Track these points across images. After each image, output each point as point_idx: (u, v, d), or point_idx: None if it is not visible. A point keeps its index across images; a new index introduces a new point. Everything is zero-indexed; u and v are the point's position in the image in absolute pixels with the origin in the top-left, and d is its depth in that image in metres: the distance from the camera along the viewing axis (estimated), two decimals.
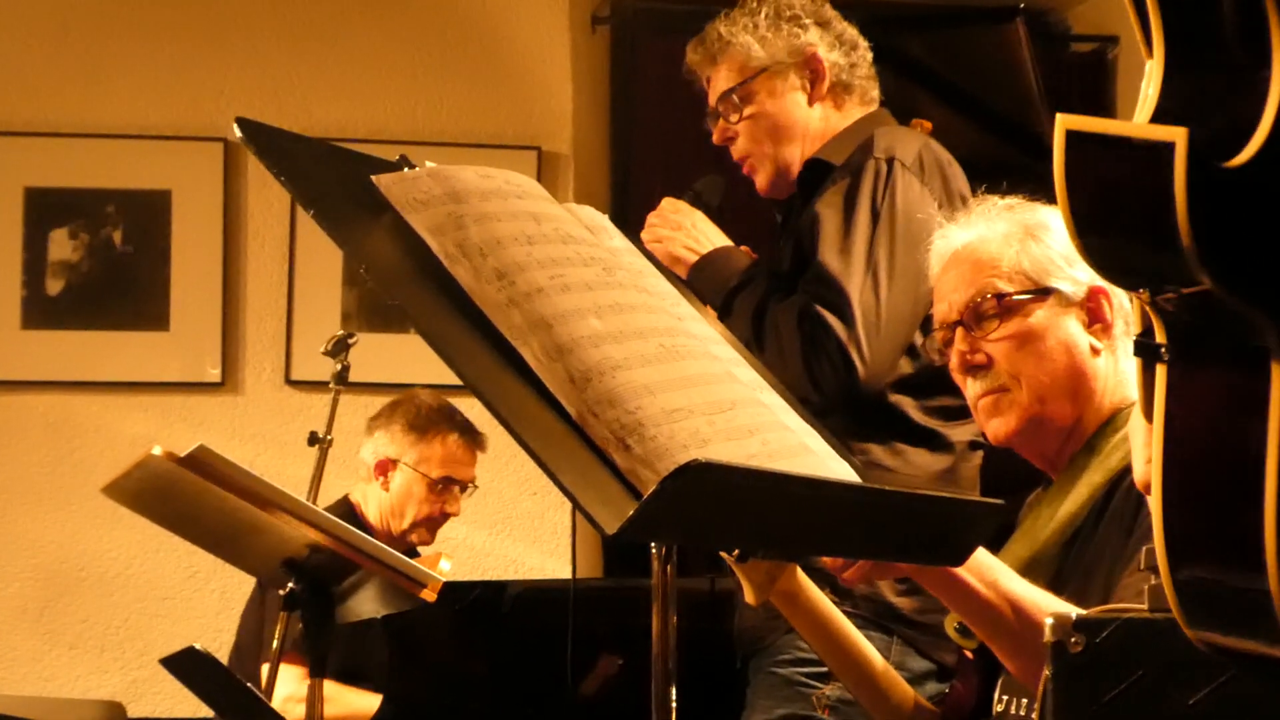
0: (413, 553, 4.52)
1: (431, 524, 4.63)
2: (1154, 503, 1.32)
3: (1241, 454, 1.26)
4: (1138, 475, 1.52)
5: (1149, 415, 1.35)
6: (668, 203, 3.69)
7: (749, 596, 2.47)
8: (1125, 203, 1.25)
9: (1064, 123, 1.26)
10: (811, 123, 3.64)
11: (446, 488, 4.61)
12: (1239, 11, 1.26)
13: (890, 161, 3.45)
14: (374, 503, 4.59)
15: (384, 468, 4.57)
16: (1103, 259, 1.30)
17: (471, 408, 4.56)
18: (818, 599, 2.55)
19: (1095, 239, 1.28)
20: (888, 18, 4.90)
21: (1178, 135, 1.19)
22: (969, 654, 2.59)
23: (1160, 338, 1.32)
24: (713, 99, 3.71)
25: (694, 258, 3.58)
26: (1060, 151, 1.26)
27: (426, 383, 4.66)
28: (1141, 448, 1.52)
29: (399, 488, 4.57)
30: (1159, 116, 1.27)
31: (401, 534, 4.54)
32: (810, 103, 3.65)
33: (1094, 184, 1.26)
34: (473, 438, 4.67)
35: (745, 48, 3.64)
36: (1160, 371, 1.32)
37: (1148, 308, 1.32)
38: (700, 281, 3.54)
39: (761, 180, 3.69)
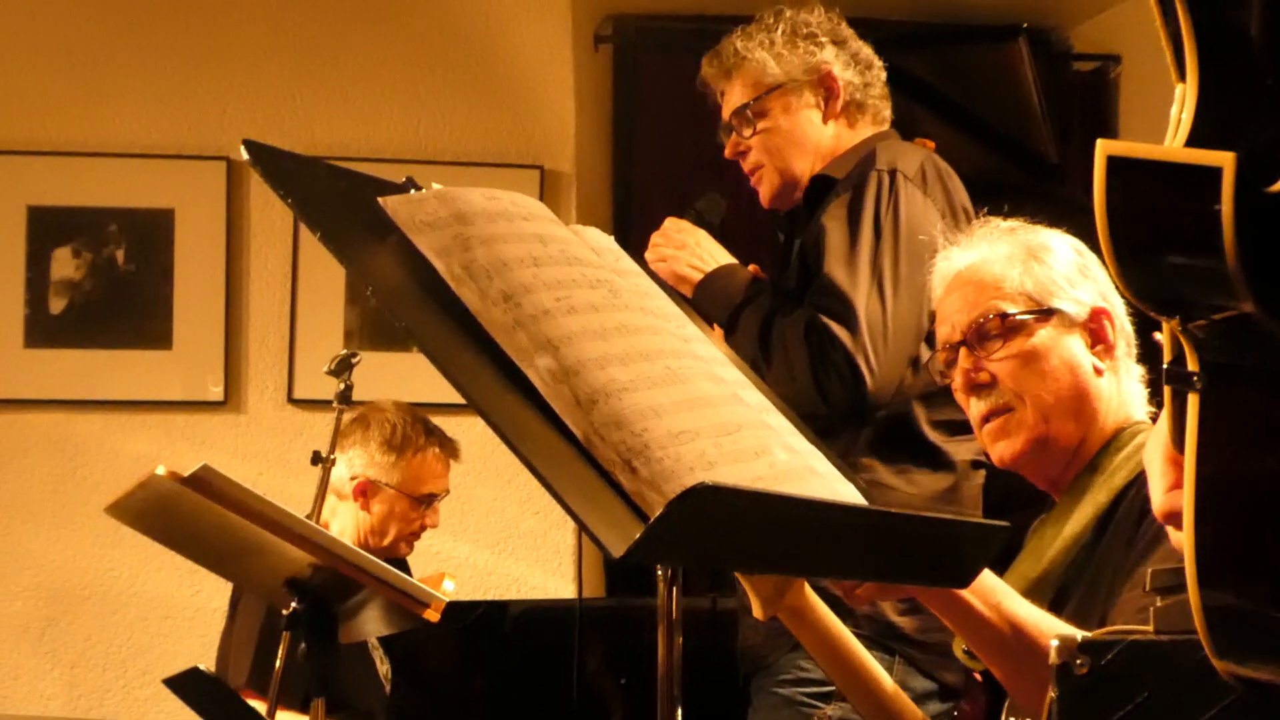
0: (402, 564, 4.48)
1: (412, 537, 4.58)
2: (1185, 531, 1.32)
3: (1275, 483, 1.26)
4: (1156, 505, 1.52)
5: (1178, 444, 1.34)
6: (671, 222, 3.70)
7: (756, 610, 2.46)
8: (1169, 229, 1.24)
9: (1105, 148, 1.25)
10: (824, 140, 3.65)
11: (428, 503, 4.57)
12: (1274, 34, 1.26)
13: (893, 174, 3.46)
14: (350, 522, 4.50)
15: (364, 489, 4.50)
16: (1142, 286, 1.29)
17: (474, 427, 4.55)
18: (825, 616, 2.55)
19: (1136, 265, 1.27)
20: (890, 37, 4.91)
21: (1225, 160, 1.19)
22: (977, 676, 2.59)
23: (1192, 365, 1.31)
24: (726, 113, 3.72)
25: (699, 276, 3.59)
26: (1101, 177, 1.25)
27: (430, 402, 4.65)
28: (1159, 476, 1.51)
29: (381, 508, 4.50)
30: (1195, 141, 1.26)
31: (381, 550, 4.49)
32: (824, 120, 3.66)
33: (1136, 210, 1.25)
34: (448, 448, 4.61)
35: (761, 64, 3.65)
36: (1192, 400, 1.31)
37: (1180, 335, 1.31)
38: (705, 299, 3.55)
39: (765, 191, 3.70)
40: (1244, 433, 1.29)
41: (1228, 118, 1.27)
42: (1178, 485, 1.47)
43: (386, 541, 4.49)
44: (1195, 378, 1.30)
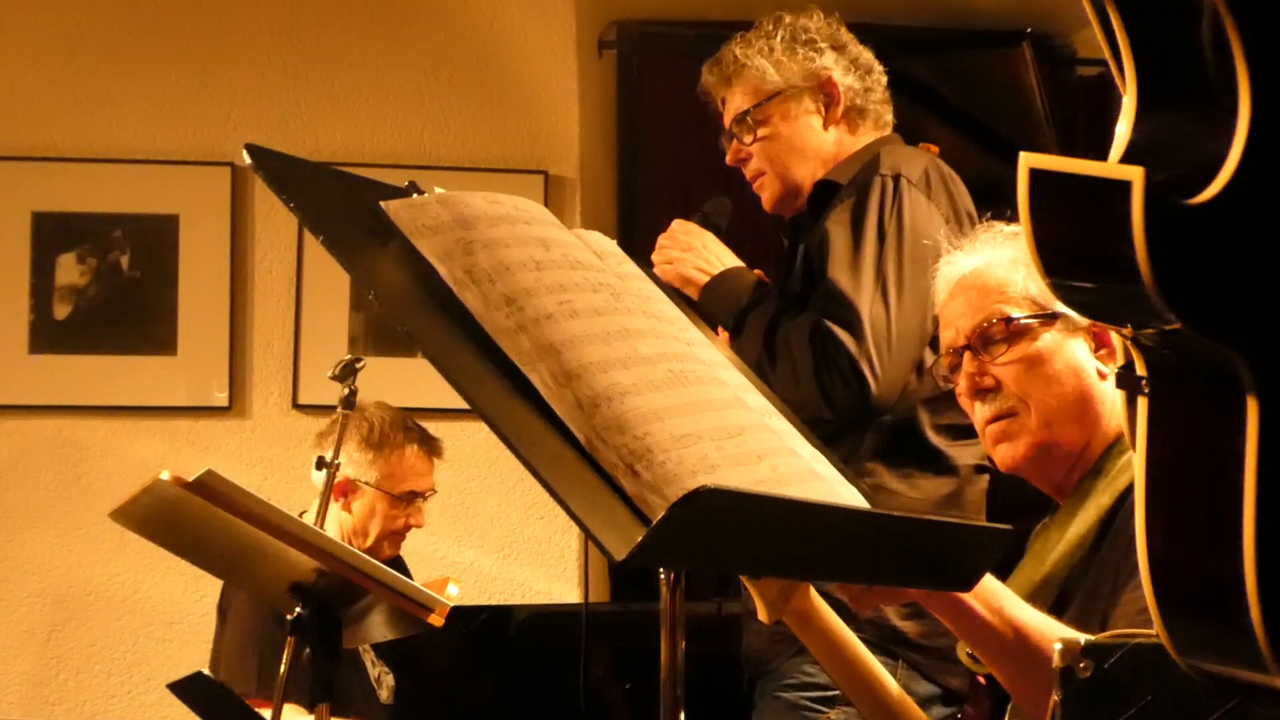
0: (403, 567, 4.48)
1: (395, 537, 4.56)
2: (1137, 531, 1.33)
3: (1220, 485, 1.27)
4: None
5: (1134, 445, 1.35)
6: (678, 224, 3.70)
7: (762, 614, 2.46)
8: (1088, 243, 1.25)
9: (1027, 161, 1.26)
10: (825, 146, 3.65)
11: (410, 501, 4.55)
12: (1210, 51, 1.26)
13: (896, 178, 3.46)
14: (334, 523, 4.51)
15: (344, 489, 4.47)
16: (1071, 297, 1.30)
17: (478, 431, 4.55)
18: (831, 619, 2.54)
19: (1061, 279, 1.28)
20: (894, 41, 4.90)
21: (1134, 174, 1.19)
22: (980, 679, 2.58)
23: (1141, 370, 1.32)
24: (727, 120, 3.72)
25: (705, 278, 3.59)
26: (1024, 191, 1.26)
27: (434, 407, 4.65)
28: None
29: (362, 507, 4.49)
30: (1130, 154, 1.27)
31: (366, 551, 4.48)
32: (825, 126, 3.66)
33: (1057, 223, 1.26)
34: (430, 446, 4.59)
35: (760, 71, 3.65)
36: (1141, 404, 1.32)
37: (1128, 343, 1.32)
38: (712, 302, 3.56)
39: (767, 196, 3.70)
40: (1189, 436, 1.31)
41: (1164, 131, 1.27)
42: None
43: (369, 541, 4.46)
44: (1143, 382, 1.31)
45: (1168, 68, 1.28)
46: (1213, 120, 1.25)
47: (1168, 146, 1.26)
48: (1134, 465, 1.53)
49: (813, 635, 2.55)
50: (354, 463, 4.47)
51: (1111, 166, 1.23)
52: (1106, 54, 1.31)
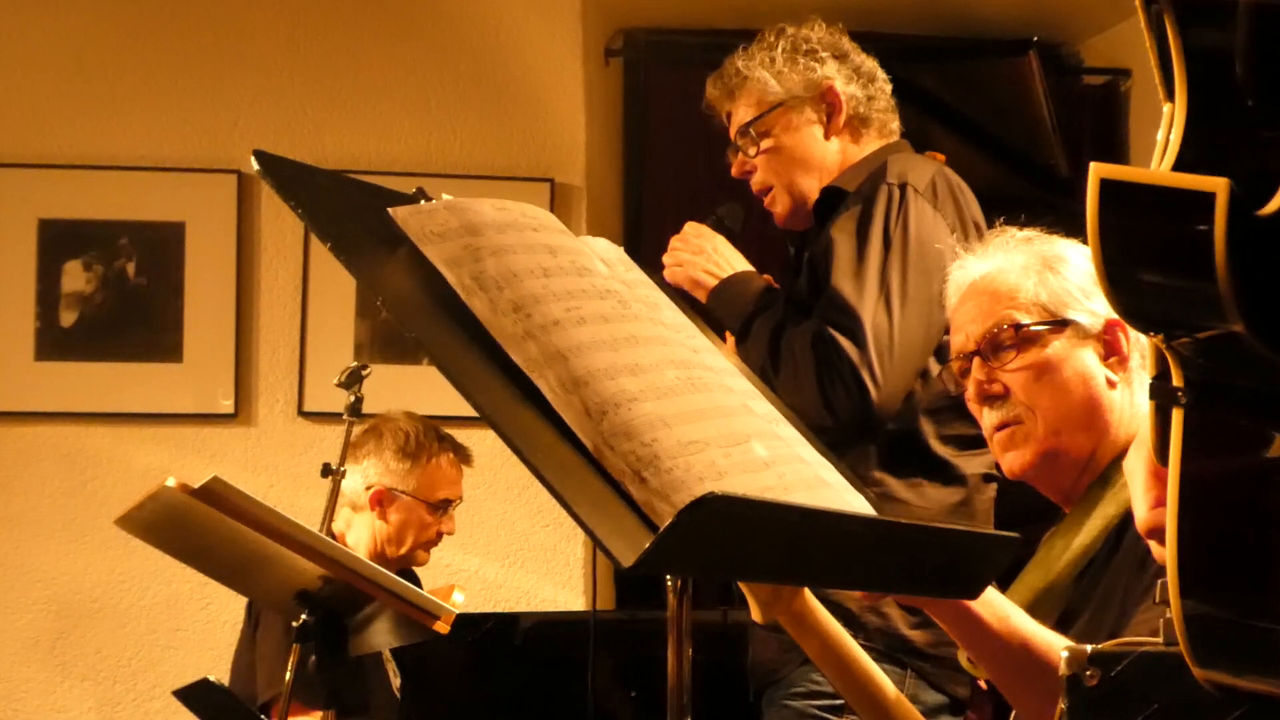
0: (412, 576, 4.49)
1: (429, 545, 4.61)
2: (1168, 545, 1.33)
3: (1261, 498, 1.27)
4: (1140, 520, 1.52)
5: (1161, 458, 1.35)
6: (690, 226, 3.71)
7: (755, 614, 2.46)
8: (1162, 251, 1.25)
9: (1098, 172, 1.26)
10: (829, 156, 3.65)
11: (444, 509, 4.59)
12: (1263, 62, 1.26)
13: (903, 187, 3.46)
14: (367, 531, 4.52)
15: (381, 498, 4.52)
16: (1133, 305, 1.30)
17: (485, 438, 4.55)
18: (827, 621, 2.54)
19: (1128, 285, 1.28)
20: (900, 50, 4.91)
21: (1219, 185, 1.20)
22: (983, 684, 2.58)
23: (1177, 381, 1.32)
24: (731, 133, 3.73)
25: (714, 282, 3.60)
26: (1094, 200, 1.26)
27: (441, 414, 4.65)
28: (1143, 491, 1.51)
29: (399, 516, 4.53)
30: (1182, 164, 1.27)
31: (399, 558, 4.52)
32: (827, 136, 3.66)
33: (1129, 233, 1.26)
34: (462, 454, 4.65)
35: (762, 82, 3.66)
36: (1176, 415, 1.32)
37: (1166, 352, 1.32)
38: (719, 305, 3.56)
39: (779, 211, 3.70)
40: (1226, 448, 1.30)
41: (1215, 141, 1.28)
42: (1162, 501, 1.48)
43: (404, 550, 4.52)
44: (1180, 393, 1.31)
45: (1219, 79, 1.28)
46: (1264, 132, 1.26)
47: (1219, 157, 1.26)
48: (1137, 478, 1.53)
49: (808, 637, 2.55)
50: (391, 472, 4.52)
51: (1196, 178, 1.23)
52: (1153, 60, 1.31)
